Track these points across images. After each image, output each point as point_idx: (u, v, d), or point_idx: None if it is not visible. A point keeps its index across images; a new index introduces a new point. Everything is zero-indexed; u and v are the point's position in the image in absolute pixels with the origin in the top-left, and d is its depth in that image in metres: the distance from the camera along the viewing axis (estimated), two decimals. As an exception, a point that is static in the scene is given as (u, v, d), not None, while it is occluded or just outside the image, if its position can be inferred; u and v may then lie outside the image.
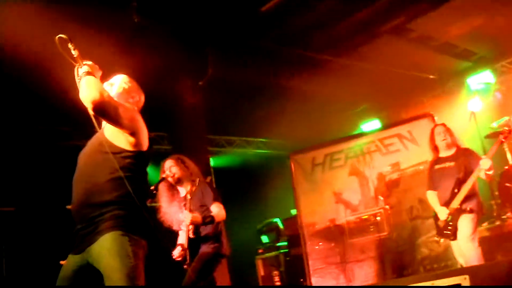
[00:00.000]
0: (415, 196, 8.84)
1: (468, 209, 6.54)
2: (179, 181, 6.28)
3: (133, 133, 3.71)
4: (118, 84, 4.01)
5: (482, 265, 6.01)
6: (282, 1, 8.29)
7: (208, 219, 6.00)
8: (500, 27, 9.92)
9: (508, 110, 9.69)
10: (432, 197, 6.95)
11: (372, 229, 9.19)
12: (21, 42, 7.00)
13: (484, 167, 6.44)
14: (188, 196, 6.06)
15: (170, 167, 6.25)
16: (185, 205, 6.06)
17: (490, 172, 6.51)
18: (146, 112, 4.07)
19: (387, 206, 9.23)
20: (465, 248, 6.45)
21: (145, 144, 3.80)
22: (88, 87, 3.54)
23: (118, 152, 3.69)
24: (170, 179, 6.21)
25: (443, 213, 6.68)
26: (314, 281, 9.43)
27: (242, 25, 8.95)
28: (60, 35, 3.66)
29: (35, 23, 6.91)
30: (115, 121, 3.65)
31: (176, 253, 6.01)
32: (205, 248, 6.11)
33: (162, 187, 6.24)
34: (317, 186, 9.75)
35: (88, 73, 3.63)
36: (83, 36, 7.07)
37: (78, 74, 3.67)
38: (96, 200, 3.60)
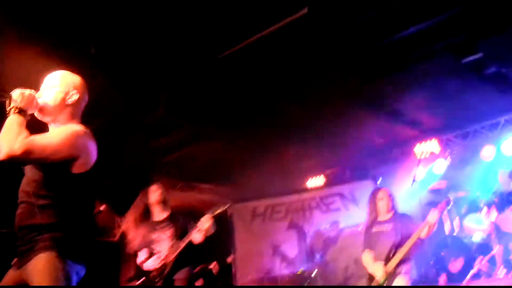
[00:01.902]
0: (351, 255, 8.93)
1: (403, 271, 6.62)
2: (163, 203, 6.81)
3: (76, 157, 3.59)
4: (66, 96, 3.83)
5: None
6: (239, 50, 8.34)
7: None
8: (449, 100, 10.15)
9: (450, 180, 9.91)
10: (367, 258, 7.01)
11: (305, 284, 9.20)
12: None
13: (432, 220, 6.62)
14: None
15: (157, 190, 6.84)
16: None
17: (434, 229, 6.65)
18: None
19: (322, 263, 9.26)
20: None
21: (87, 165, 3.67)
22: (6, 134, 3.40)
23: (58, 173, 3.58)
24: (158, 198, 6.77)
25: (379, 273, 6.71)
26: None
27: (198, 69, 8.96)
28: None
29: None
30: (43, 162, 3.52)
31: (152, 263, 6.40)
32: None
33: (134, 211, 6.45)
34: (256, 236, 9.73)
35: (19, 111, 3.50)
36: (35, 56, 7.09)
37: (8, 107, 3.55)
38: (35, 221, 3.51)
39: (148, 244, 6.65)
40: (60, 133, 3.64)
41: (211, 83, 9.22)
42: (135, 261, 7.03)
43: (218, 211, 6.57)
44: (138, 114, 9.27)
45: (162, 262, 6.39)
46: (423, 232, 6.66)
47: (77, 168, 3.61)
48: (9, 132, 3.40)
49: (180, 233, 6.57)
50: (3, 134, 3.41)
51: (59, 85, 3.86)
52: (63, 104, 3.82)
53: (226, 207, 6.77)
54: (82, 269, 3.59)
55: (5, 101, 3.56)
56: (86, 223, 3.72)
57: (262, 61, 8.69)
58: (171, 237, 6.58)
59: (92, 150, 3.72)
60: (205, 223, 6.36)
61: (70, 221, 3.55)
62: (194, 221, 6.57)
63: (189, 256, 6.51)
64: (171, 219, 6.74)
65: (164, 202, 6.84)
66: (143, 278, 6.63)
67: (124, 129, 9.29)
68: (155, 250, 6.59)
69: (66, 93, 3.84)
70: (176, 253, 6.39)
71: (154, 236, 6.63)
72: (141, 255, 6.68)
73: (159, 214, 6.81)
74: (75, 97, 3.85)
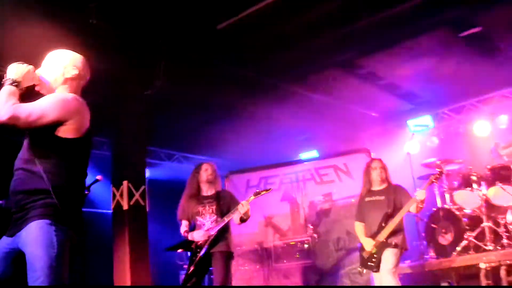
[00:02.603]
0: (343, 227, 9.00)
1: (393, 243, 6.72)
2: (211, 182, 7.21)
3: (64, 122, 3.62)
4: (65, 70, 3.89)
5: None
6: (238, 22, 8.35)
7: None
8: (444, 75, 10.19)
9: (443, 155, 9.97)
10: (359, 228, 7.12)
11: (298, 256, 9.31)
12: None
13: (420, 197, 6.63)
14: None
15: (209, 168, 7.24)
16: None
17: (422, 206, 6.72)
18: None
19: (315, 235, 9.34)
20: (385, 281, 6.59)
21: (79, 131, 3.70)
22: None
23: (52, 138, 3.63)
24: (208, 177, 7.18)
25: (368, 245, 6.83)
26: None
27: (197, 41, 8.97)
28: None
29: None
30: (32, 127, 3.58)
31: (198, 235, 6.85)
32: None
33: (188, 187, 7.31)
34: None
35: (12, 82, 3.61)
36: (37, 29, 7.10)
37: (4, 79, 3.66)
38: (29, 187, 3.56)
39: (193, 215, 7.07)
40: (48, 98, 3.72)
41: (207, 54, 9.26)
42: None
43: (261, 193, 6.94)
44: (138, 85, 9.31)
45: (206, 236, 6.81)
46: (412, 208, 6.74)
47: (68, 133, 3.64)
48: (5, 99, 3.50)
49: (223, 211, 6.96)
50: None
51: (58, 61, 3.93)
52: (61, 78, 3.88)
53: (269, 190, 7.10)
54: (75, 235, 3.62)
55: (3, 75, 3.66)
56: (78, 189, 3.77)
57: (258, 33, 8.73)
58: (214, 212, 6.97)
59: (83, 115, 3.76)
60: (244, 208, 6.72)
61: (63, 187, 3.59)
62: (235, 201, 7.07)
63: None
64: (217, 196, 7.13)
65: (212, 181, 7.22)
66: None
67: (123, 99, 9.31)
68: (198, 221, 7.02)
69: (64, 68, 3.90)
70: (217, 230, 6.79)
71: (200, 208, 7.04)
72: (182, 224, 7.15)
73: (207, 190, 7.21)
74: (73, 71, 3.90)
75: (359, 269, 7.09)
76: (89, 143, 3.87)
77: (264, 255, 9.58)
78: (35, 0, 7.27)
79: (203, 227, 6.92)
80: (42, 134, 3.62)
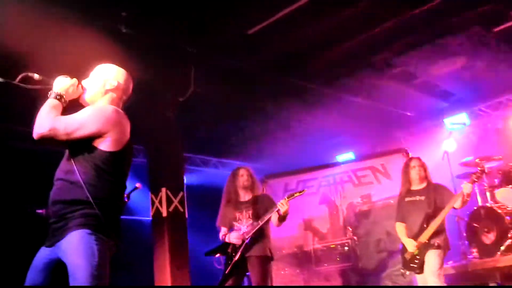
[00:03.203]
0: (383, 228, 8.90)
1: (436, 244, 6.60)
2: (248, 187, 7.21)
3: (103, 134, 3.66)
4: (105, 82, 3.95)
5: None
6: (269, 26, 8.35)
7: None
8: (479, 72, 10.08)
9: (481, 153, 9.84)
10: (400, 229, 7.02)
11: (338, 259, 9.26)
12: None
13: (466, 191, 6.52)
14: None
15: (245, 174, 7.25)
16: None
17: (468, 199, 6.60)
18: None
19: (355, 237, 9.28)
20: (431, 283, 6.48)
21: (120, 144, 3.74)
22: (39, 116, 3.60)
23: (92, 150, 3.67)
24: (244, 183, 7.19)
25: (410, 246, 6.74)
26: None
27: (228, 47, 9.00)
28: (20, 77, 3.71)
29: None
30: (72, 140, 3.64)
31: (235, 236, 6.87)
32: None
33: (225, 193, 7.35)
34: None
35: (56, 96, 3.71)
36: (69, 38, 7.20)
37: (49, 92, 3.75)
38: (69, 197, 3.60)
39: (230, 221, 7.07)
40: (87, 110, 3.80)
41: (240, 59, 9.28)
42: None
43: (295, 195, 6.88)
44: (171, 91, 9.36)
45: (241, 238, 6.82)
46: (457, 203, 6.61)
47: (108, 145, 3.68)
48: (41, 114, 3.60)
49: (260, 214, 6.94)
50: (38, 117, 3.59)
51: (100, 73, 4.01)
52: (102, 90, 3.94)
53: (303, 192, 7.08)
54: (114, 245, 3.66)
55: (50, 87, 3.76)
56: (118, 200, 3.80)
57: (289, 37, 8.72)
58: (251, 217, 6.96)
59: (123, 128, 3.79)
60: (284, 207, 6.68)
61: (103, 198, 3.62)
62: (274, 204, 6.97)
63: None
64: (254, 201, 7.12)
65: (249, 186, 7.22)
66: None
67: (157, 107, 9.36)
68: (235, 227, 7.01)
69: (105, 80, 3.96)
70: (252, 232, 6.79)
71: (237, 214, 7.05)
72: (223, 231, 7.13)
73: (244, 195, 7.22)
74: (113, 83, 3.96)
75: (401, 270, 7.01)
76: (129, 155, 3.90)
77: (304, 259, 9.56)
78: (69, 11, 7.36)
79: (239, 232, 6.91)
80: (82, 146, 3.67)
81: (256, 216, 6.92)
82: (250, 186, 7.23)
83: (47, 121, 3.56)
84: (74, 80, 3.83)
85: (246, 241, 6.76)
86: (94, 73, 4.01)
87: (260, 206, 7.04)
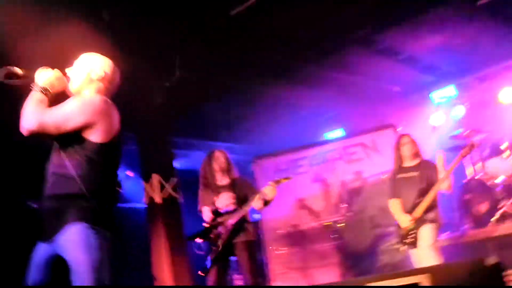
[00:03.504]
0: (377, 204, 8.96)
1: (429, 218, 6.69)
2: (225, 170, 7.10)
3: (92, 124, 3.64)
4: (91, 72, 3.93)
5: (445, 264, 6.15)
6: (252, 6, 8.32)
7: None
8: (465, 44, 10.09)
9: (470, 125, 9.89)
10: (394, 205, 7.08)
11: (334, 236, 9.32)
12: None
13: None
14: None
15: (221, 156, 7.18)
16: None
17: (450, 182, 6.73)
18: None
19: (348, 214, 9.34)
20: (425, 257, 6.57)
21: (110, 134, 3.72)
22: (25, 111, 3.59)
23: (83, 143, 3.66)
24: (221, 165, 7.09)
25: (405, 221, 6.81)
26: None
27: (212, 29, 8.97)
28: (3, 74, 3.71)
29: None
30: (62, 133, 3.64)
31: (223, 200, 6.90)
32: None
33: (201, 176, 7.23)
34: (281, 191, 9.78)
35: (40, 89, 3.68)
36: (52, 31, 7.15)
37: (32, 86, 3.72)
38: (64, 191, 3.61)
39: (211, 204, 6.97)
40: (74, 101, 3.76)
41: (224, 41, 9.25)
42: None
43: (282, 181, 6.91)
44: (157, 77, 9.34)
45: (228, 222, 6.74)
46: (443, 185, 6.71)
47: (98, 136, 3.67)
48: (27, 109, 3.59)
49: (241, 198, 6.89)
50: (23, 111, 3.59)
51: (85, 63, 3.98)
52: (87, 79, 3.92)
53: (290, 178, 7.14)
54: (111, 235, 3.66)
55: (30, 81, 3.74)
56: (112, 191, 3.82)
57: (273, 16, 8.70)
58: (233, 202, 6.88)
59: (113, 118, 3.77)
60: (271, 193, 6.68)
61: (97, 190, 3.62)
62: (253, 188, 7.06)
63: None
64: (232, 184, 7.03)
65: (226, 168, 7.11)
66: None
67: (143, 93, 9.33)
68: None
69: (91, 69, 3.93)
70: (237, 218, 6.73)
71: (216, 198, 6.95)
72: (205, 212, 6.98)
73: (221, 179, 7.10)
74: (99, 72, 3.94)
75: (396, 246, 7.09)
76: (120, 145, 3.90)
77: (299, 238, 9.62)
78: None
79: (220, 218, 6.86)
80: (72, 138, 3.66)
81: (237, 201, 6.88)
82: (227, 169, 7.14)
83: (34, 116, 3.55)
84: (57, 71, 3.81)
85: (230, 228, 6.71)
86: (79, 62, 3.97)
87: (239, 190, 6.99)
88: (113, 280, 3.56)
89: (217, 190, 7.01)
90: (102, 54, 4.11)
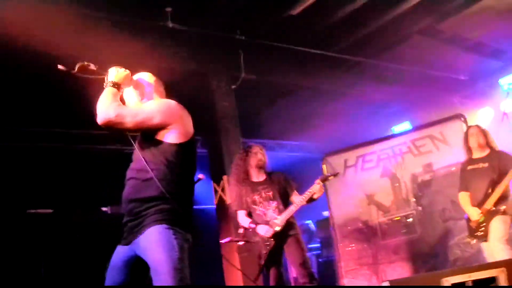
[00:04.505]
0: (447, 197, 8.78)
1: (501, 210, 6.55)
2: (262, 167, 6.85)
3: (169, 126, 3.76)
4: (145, 83, 4.08)
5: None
6: (312, 4, 8.37)
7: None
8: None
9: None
10: (464, 198, 6.95)
11: (404, 231, 9.22)
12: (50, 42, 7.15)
13: None
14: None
15: (259, 152, 6.86)
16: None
17: None
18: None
19: (419, 208, 9.23)
20: (496, 250, 6.43)
21: (186, 135, 3.82)
22: (102, 102, 3.72)
23: (161, 146, 3.76)
24: (259, 162, 6.81)
25: (474, 214, 6.69)
26: (346, 282, 9.44)
27: (274, 29, 9.06)
28: (78, 66, 3.86)
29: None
30: (137, 129, 3.80)
31: (265, 231, 6.52)
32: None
33: (234, 173, 6.96)
34: (350, 187, 9.76)
35: (113, 84, 3.82)
36: (117, 40, 7.40)
37: (105, 82, 3.87)
38: (143, 195, 3.70)
39: (249, 204, 6.78)
40: (152, 102, 3.93)
41: (285, 41, 9.33)
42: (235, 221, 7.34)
43: (329, 178, 6.83)
44: (224, 80, 9.49)
45: (273, 232, 6.51)
46: None
47: (175, 138, 3.77)
48: (104, 101, 3.72)
49: (281, 194, 6.71)
50: (99, 103, 3.72)
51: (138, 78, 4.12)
52: (143, 91, 4.06)
53: (337, 175, 7.05)
54: (190, 236, 3.73)
55: (104, 77, 3.89)
56: (190, 192, 3.86)
57: (334, 12, 8.72)
58: (273, 198, 6.68)
59: (186, 120, 3.88)
60: (318, 191, 6.49)
61: (176, 192, 3.69)
62: (291, 182, 6.83)
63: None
64: (270, 180, 6.82)
65: (264, 164, 6.88)
66: (244, 239, 6.97)
67: (211, 96, 9.47)
68: (258, 211, 6.73)
69: (142, 85, 4.08)
70: (283, 222, 6.52)
71: (255, 197, 6.74)
72: (240, 215, 6.84)
73: (258, 175, 6.88)
74: (151, 84, 4.08)
75: (467, 239, 6.98)
76: (195, 147, 4.01)
77: (370, 233, 9.53)
78: (118, 12, 7.56)
79: (264, 217, 6.65)
80: (149, 142, 3.78)
81: (279, 197, 6.69)
82: (264, 165, 6.90)
83: (112, 107, 3.69)
84: (128, 71, 3.96)
85: (278, 232, 6.51)
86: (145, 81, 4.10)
87: (276, 186, 6.78)
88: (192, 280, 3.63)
89: (256, 188, 6.77)
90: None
